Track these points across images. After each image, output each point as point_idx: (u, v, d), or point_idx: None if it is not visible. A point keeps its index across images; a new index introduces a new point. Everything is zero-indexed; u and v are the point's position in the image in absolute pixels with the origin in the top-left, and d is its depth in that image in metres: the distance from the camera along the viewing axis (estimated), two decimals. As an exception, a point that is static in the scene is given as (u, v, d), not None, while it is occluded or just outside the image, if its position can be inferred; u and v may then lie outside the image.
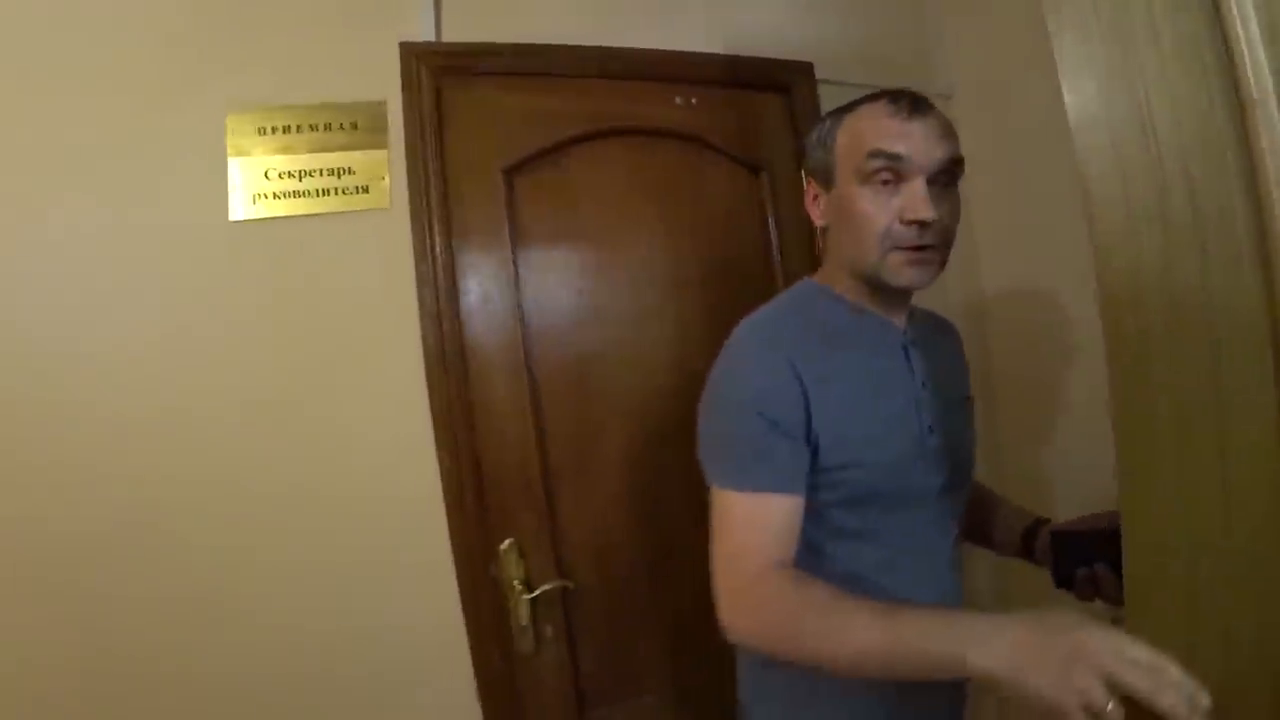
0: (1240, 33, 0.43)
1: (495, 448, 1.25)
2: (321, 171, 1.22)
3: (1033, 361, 1.58)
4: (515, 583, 1.24)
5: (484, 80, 1.29)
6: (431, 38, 1.28)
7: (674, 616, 1.34)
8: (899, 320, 0.86)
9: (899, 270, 0.76)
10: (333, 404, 1.20)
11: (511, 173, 1.28)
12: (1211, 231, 0.47)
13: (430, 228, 1.23)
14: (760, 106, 1.47)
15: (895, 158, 0.74)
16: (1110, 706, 0.45)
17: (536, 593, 1.24)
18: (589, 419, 1.31)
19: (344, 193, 1.22)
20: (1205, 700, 0.44)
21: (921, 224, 0.74)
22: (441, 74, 1.26)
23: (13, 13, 1.14)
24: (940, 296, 1.70)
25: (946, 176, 0.77)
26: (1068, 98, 0.55)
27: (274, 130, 1.21)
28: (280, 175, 1.21)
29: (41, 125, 1.15)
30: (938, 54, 1.68)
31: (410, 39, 1.26)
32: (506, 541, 1.25)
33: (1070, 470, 1.49)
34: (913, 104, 0.76)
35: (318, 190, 1.21)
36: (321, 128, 1.22)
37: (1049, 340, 1.53)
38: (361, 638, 1.20)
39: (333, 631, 1.19)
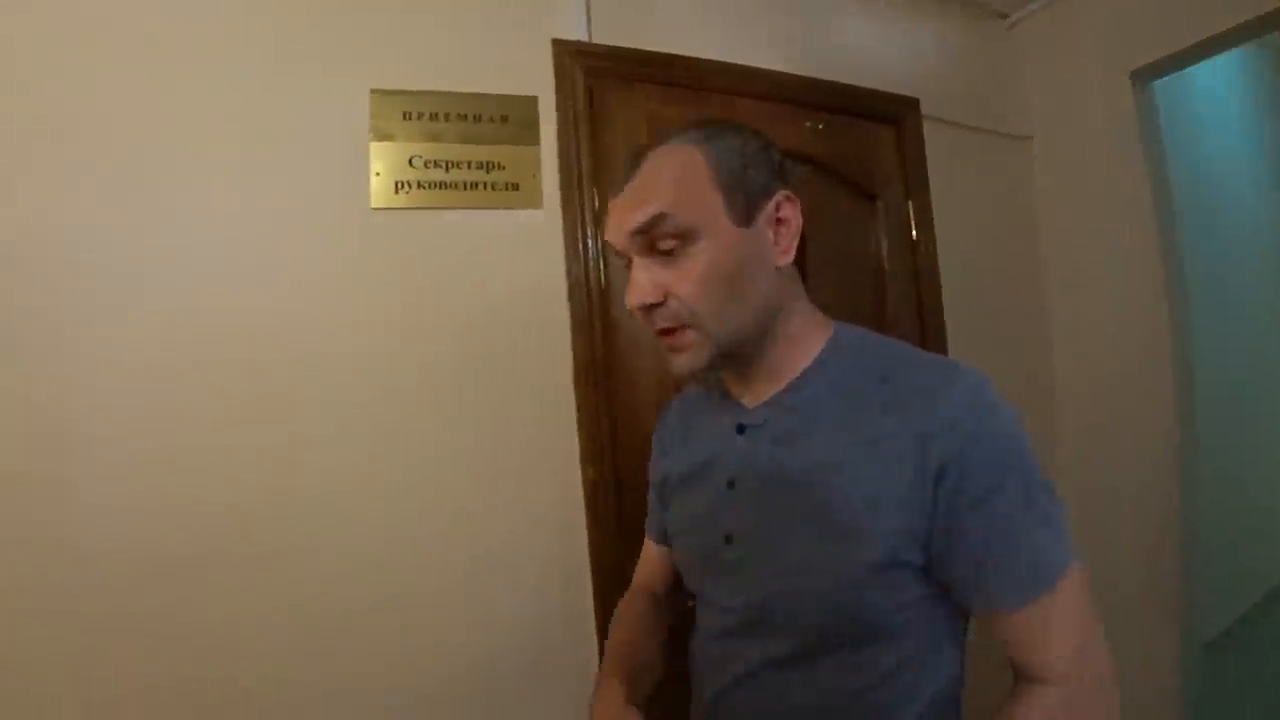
0: None
1: (640, 462, 1.18)
2: (470, 164, 1.13)
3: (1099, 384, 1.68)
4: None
5: (635, 86, 1.25)
6: (583, 37, 1.23)
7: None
8: (750, 398, 0.69)
9: (668, 359, 0.65)
10: (473, 408, 1.10)
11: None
12: None
13: (584, 231, 1.16)
14: (875, 136, 1.50)
15: (615, 247, 0.65)
16: None
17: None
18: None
19: (494, 188, 1.13)
20: None
21: (645, 308, 0.63)
22: (594, 74, 1.21)
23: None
24: (1011, 333, 1.78)
25: (660, 244, 0.61)
26: None
27: (420, 116, 1.11)
28: (426, 164, 1.11)
29: (175, 102, 1.01)
30: (1017, 96, 1.79)
31: (561, 37, 1.21)
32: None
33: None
34: (625, 180, 0.64)
35: (466, 183, 1.12)
36: (471, 118, 1.14)
37: (1120, 374, 1.63)
38: (497, 650, 1.08)
39: (466, 644, 1.07)
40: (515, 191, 1.15)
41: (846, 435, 0.60)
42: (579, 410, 1.14)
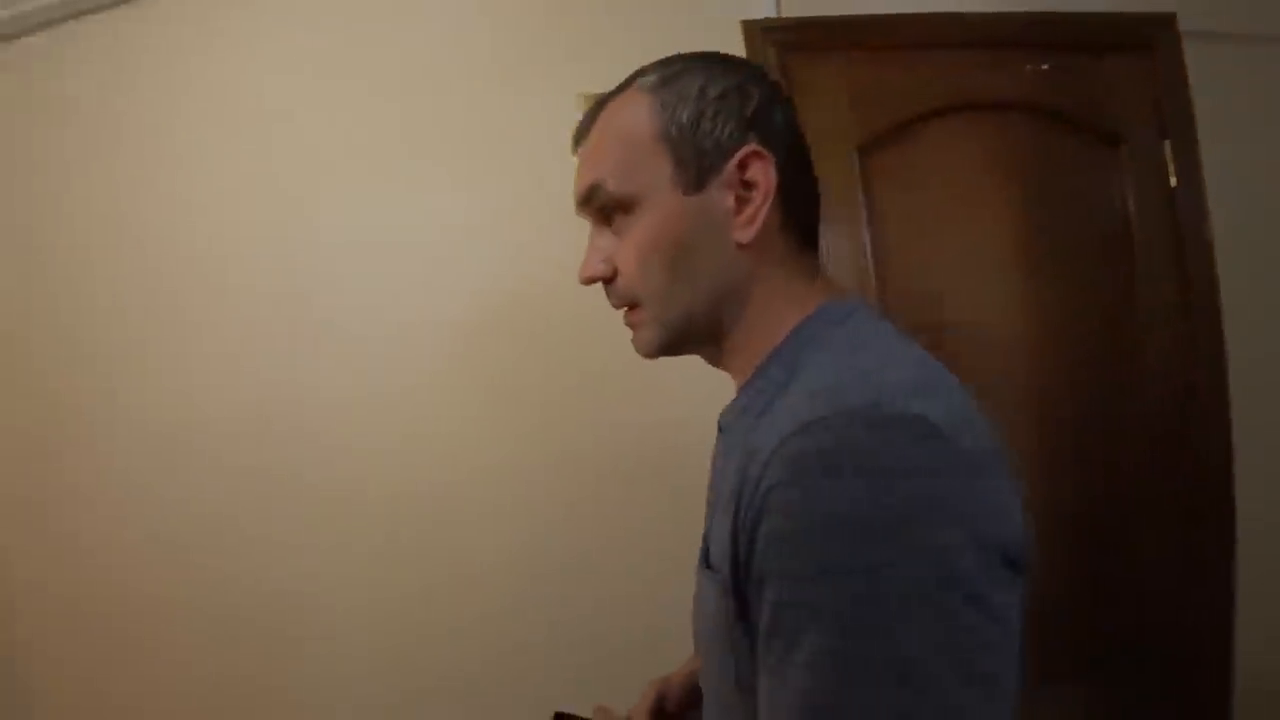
0: None
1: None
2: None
3: None
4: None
5: (830, 56, 1.21)
6: (771, 13, 1.21)
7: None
8: (736, 386, 0.54)
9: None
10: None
11: (864, 151, 1.18)
12: None
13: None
14: (1116, 70, 1.29)
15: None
16: None
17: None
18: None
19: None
20: None
21: (601, 282, 0.54)
22: (787, 50, 1.19)
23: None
24: None
25: (598, 212, 0.52)
26: None
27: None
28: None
29: (388, 114, 1.20)
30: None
31: (750, 17, 1.20)
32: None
33: None
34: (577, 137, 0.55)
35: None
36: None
37: None
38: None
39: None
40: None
41: (737, 454, 0.45)
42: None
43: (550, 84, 1.19)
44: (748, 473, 0.39)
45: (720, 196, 0.49)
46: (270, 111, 1.23)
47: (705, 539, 0.50)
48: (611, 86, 0.54)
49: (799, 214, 0.51)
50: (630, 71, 0.53)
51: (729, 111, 0.49)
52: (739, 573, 0.39)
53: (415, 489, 1.18)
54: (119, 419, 1.40)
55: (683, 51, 0.53)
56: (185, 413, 1.32)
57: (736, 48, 1.19)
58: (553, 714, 0.66)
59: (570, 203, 0.55)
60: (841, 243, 1.17)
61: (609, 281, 0.53)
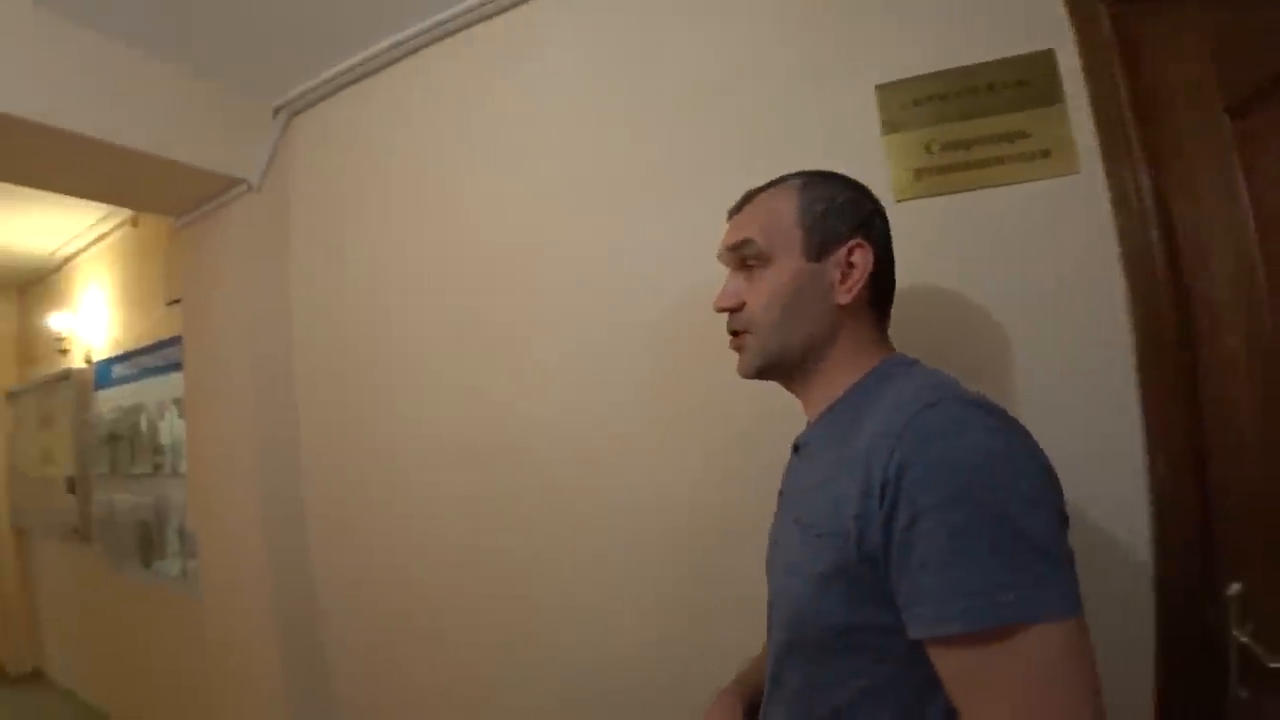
0: None
1: (1229, 461, 0.99)
2: (991, 138, 1.06)
3: None
4: (1239, 639, 0.96)
5: (1182, 5, 1.05)
6: (1099, -32, 1.08)
7: None
8: (810, 414, 0.77)
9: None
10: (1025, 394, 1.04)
11: (1235, 112, 1.01)
12: None
13: (1136, 187, 1.01)
14: None
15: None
16: None
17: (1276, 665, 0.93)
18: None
19: (1021, 159, 1.05)
20: None
21: (726, 311, 0.77)
22: (1117, 2, 1.05)
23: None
24: None
25: (740, 260, 0.76)
26: None
27: (929, 100, 1.08)
28: (943, 147, 1.07)
29: (684, 118, 1.19)
30: None
31: (1074, -26, 1.07)
32: (1234, 586, 0.98)
33: None
34: (733, 211, 0.81)
35: (989, 159, 1.05)
36: (983, 90, 1.07)
37: None
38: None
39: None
40: (1045, 159, 1.04)
41: (834, 452, 0.65)
42: (1143, 392, 1.00)
43: (849, 77, 1.12)
44: (873, 454, 0.56)
45: (831, 269, 0.71)
46: (572, 124, 1.26)
47: (782, 529, 0.73)
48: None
49: (882, 294, 0.74)
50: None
51: (849, 214, 0.72)
52: (864, 527, 0.56)
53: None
54: (410, 438, 1.53)
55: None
56: (467, 431, 1.43)
57: (1051, 9, 1.06)
58: None
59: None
60: (1211, 220, 1.00)
61: (734, 311, 0.75)
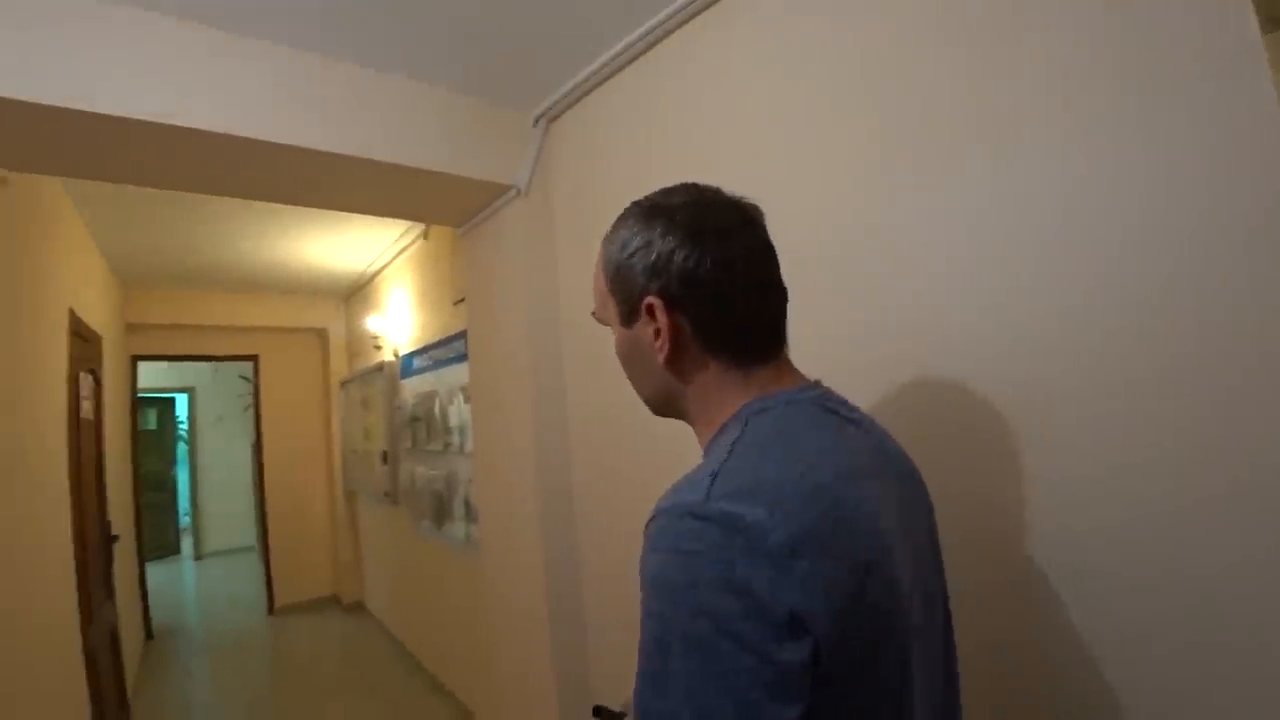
0: None
1: None
2: None
3: None
4: None
5: None
6: None
7: None
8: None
9: None
10: None
11: None
12: None
13: None
14: None
15: None
16: None
17: None
18: None
19: None
20: None
21: None
22: None
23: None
24: None
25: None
26: None
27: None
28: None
29: (1005, 38, 0.99)
30: None
31: None
32: None
33: None
34: None
35: None
36: None
37: None
38: None
39: None
40: None
41: None
42: None
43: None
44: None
45: (644, 329, 0.67)
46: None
47: None
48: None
49: (721, 342, 0.65)
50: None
51: (639, 266, 0.66)
52: None
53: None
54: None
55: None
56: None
57: None
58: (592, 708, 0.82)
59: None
60: None
61: None
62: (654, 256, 0.65)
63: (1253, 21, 0.83)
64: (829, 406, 0.64)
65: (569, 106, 1.96)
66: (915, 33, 1.10)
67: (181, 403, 8.18)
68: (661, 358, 0.65)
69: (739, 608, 0.48)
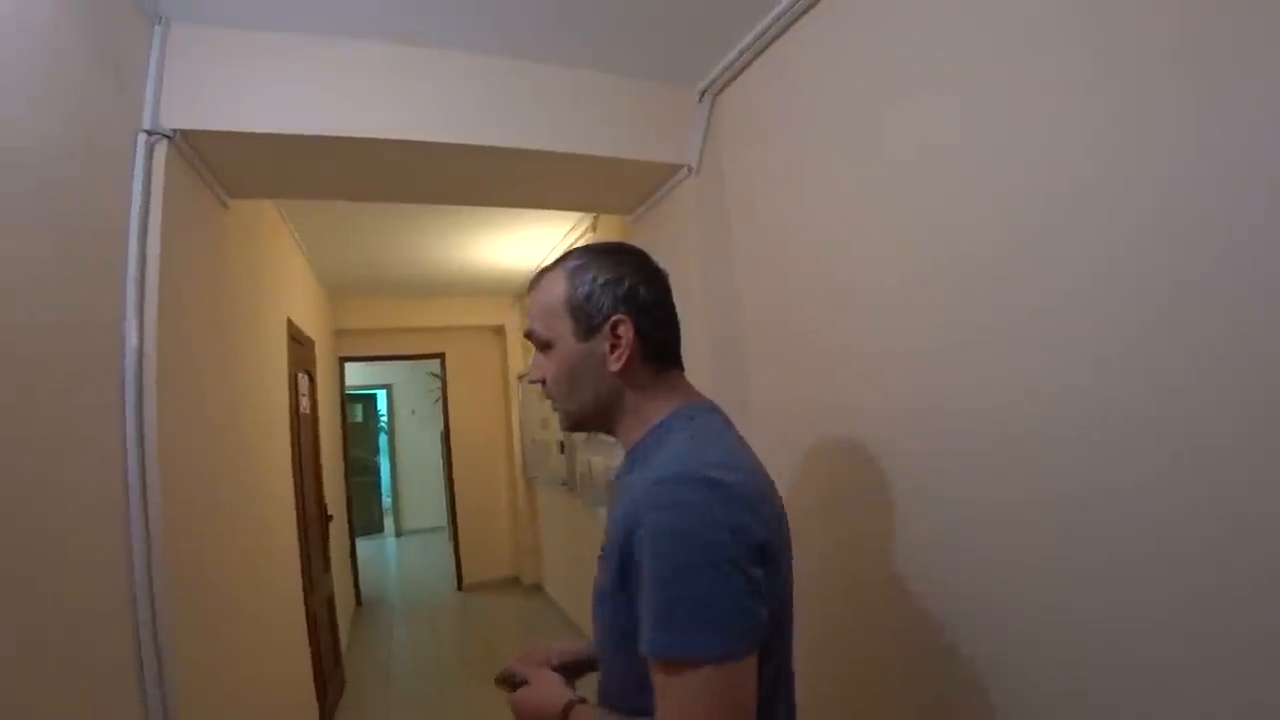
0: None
1: None
2: None
3: None
4: None
5: None
6: None
7: None
8: (624, 453, 0.92)
9: None
10: None
11: None
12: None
13: None
14: None
15: None
16: None
17: None
18: None
19: None
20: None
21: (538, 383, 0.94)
22: None
23: None
24: None
25: (539, 345, 0.91)
26: None
27: None
28: None
29: None
30: None
31: None
32: None
33: None
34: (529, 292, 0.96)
35: None
36: None
37: None
38: None
39: None
40: None
41: (625, 497, 0.81)
42: None
43: None
44: (632, 502, 0.75)
45: (600, 344, 0.86)
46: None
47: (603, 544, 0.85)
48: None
49: (656, 353, 0.88)
50: None
51: (609, 293, 0.86)
52: (624, 559, 0.75)
53: None
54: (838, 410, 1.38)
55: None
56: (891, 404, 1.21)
57: None
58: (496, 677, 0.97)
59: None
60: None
61: (542, 383, 0.93)
62: (625, 287, 0.86)
63: None
64: (727, 419, 0.88)
65: (734, 78, 1.84)
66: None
67: (381, 398, 9.18)
68: (619, 365, 0.85)
69: (730, 540, 0.69)
